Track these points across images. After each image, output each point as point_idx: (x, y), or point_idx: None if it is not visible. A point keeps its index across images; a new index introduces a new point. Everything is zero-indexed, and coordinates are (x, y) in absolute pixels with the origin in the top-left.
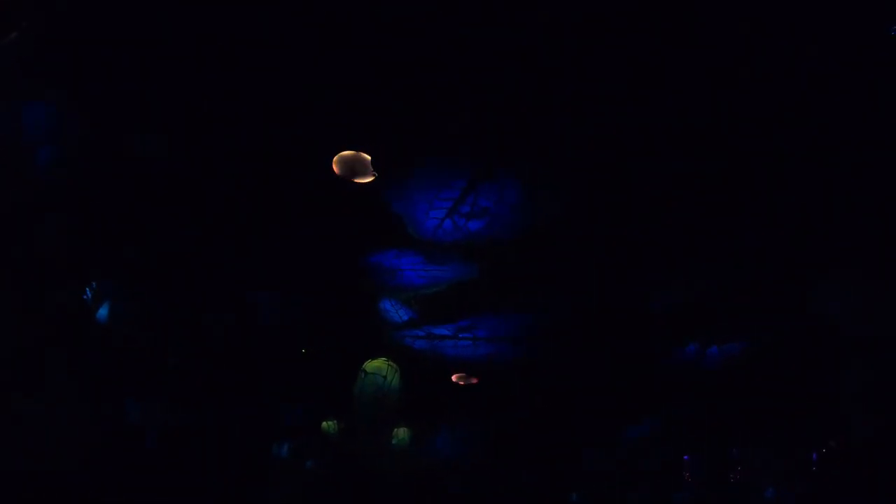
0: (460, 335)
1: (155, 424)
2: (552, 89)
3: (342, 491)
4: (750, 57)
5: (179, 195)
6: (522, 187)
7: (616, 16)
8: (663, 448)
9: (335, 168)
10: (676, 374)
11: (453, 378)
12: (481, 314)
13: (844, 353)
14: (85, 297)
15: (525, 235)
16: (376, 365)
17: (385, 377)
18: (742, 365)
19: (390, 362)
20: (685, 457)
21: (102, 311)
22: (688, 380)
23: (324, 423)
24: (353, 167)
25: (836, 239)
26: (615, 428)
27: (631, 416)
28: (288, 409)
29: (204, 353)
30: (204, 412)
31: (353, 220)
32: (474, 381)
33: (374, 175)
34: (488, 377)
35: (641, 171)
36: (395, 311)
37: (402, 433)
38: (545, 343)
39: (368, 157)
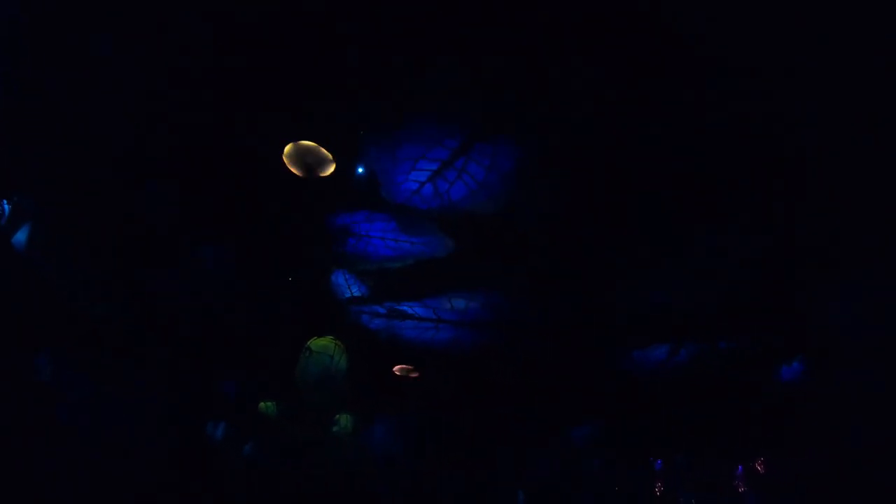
0: (438, 314)
1: (69, 387)
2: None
3: (281, 481)
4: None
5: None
6: (522, 154)
7: None
8: (605, 452)
9: (290, 166)
10: (628, 377)
11: (395, 369)
12: (451, 294)
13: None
14: None
15: (509, 210)
16: (322, 343)
17: (332, 357)
18: (689, 373)
19: (337, 341)
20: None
21: (20, 235)
22: (638, 384)
23: (262, 404)
24: (307, 161)
25: (831, 241)
26: (560, 428)
27: (577, 417)
28: (224, 383)
29: (134, 308)
30: (127, 378)
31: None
32: (415, 375)
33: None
34: (441, 365)
35: (639, 161)
36: (346, 286)
37: (344, 420)
38: (511, 331)
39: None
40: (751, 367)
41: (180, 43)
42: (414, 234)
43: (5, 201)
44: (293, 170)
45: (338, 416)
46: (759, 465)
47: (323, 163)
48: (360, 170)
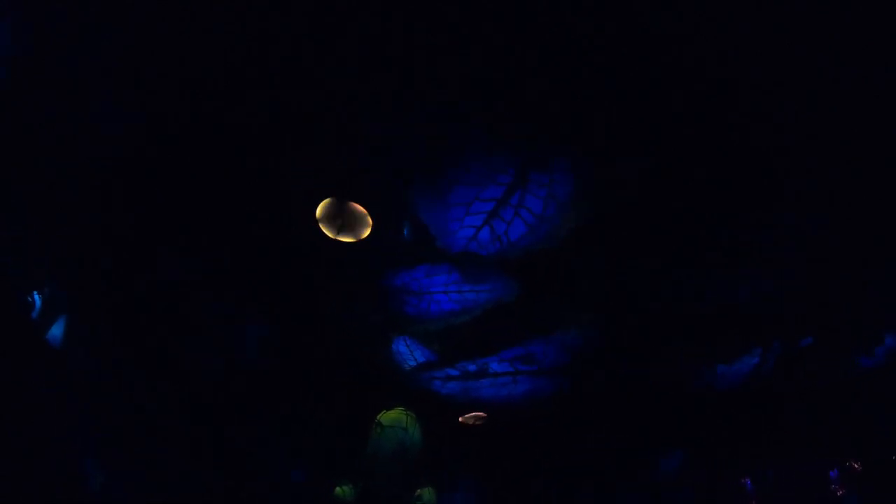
0: (515, 365)
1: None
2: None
3: None
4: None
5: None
6: (580, 173)
7: None
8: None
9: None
10: (713, 394)
11: (461, 420)
12: (524, 342)
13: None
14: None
15: (571, 240)
16: (393, 416)
17: (406, 429)
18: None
19: (409, 412)
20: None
21: (55, 330)
22: (723, 400)
23: (337, 489)
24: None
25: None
26: (647, 459)
27: (661, 448)
28: (293, 472)
29: (180, 401)
30: (181, 478)
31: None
32: (480, 422)
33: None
34: (520, 419)
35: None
36: (409, 353)
37: (427, 495)
38: (588, 368)
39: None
40: (832, 360)
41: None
42: (478, 281)
43: (36, 293)
44: (329, 233)
45: (419, 491)
46: (854, 463)
47: (358, 222)
48: (406, 229)
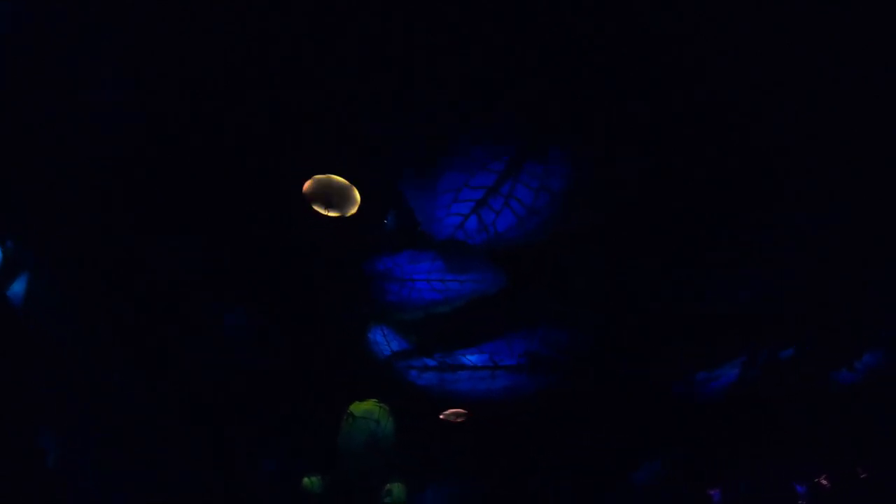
0: (495, 359)
1: (80, 473)
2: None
3: None
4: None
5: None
6: (576, 166)
7: None
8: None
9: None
10: (694, 404)
11: (441, 416)
12: (509, 335)
13: None
14: None
15: (561, 234)
16: (366, 408)
17: (378, 421)
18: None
19: (382, 404)
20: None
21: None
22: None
23: (305, 480)
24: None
25: None
26: (625, 471)
27: (641, 456)
28: (262, 460)
29: (153, 376)
30: (149, 459)
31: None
32: (462, 419)
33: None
34: (496, 416)
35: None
36: (386, 343)
37: (396, 490)
38: (572, 368)
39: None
40: (811, 373)
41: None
42: (462, 271)
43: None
44: (317, 208)
45: (389, 485)
46: (823, 480)
47: (347, 199)
48: (388, 218)
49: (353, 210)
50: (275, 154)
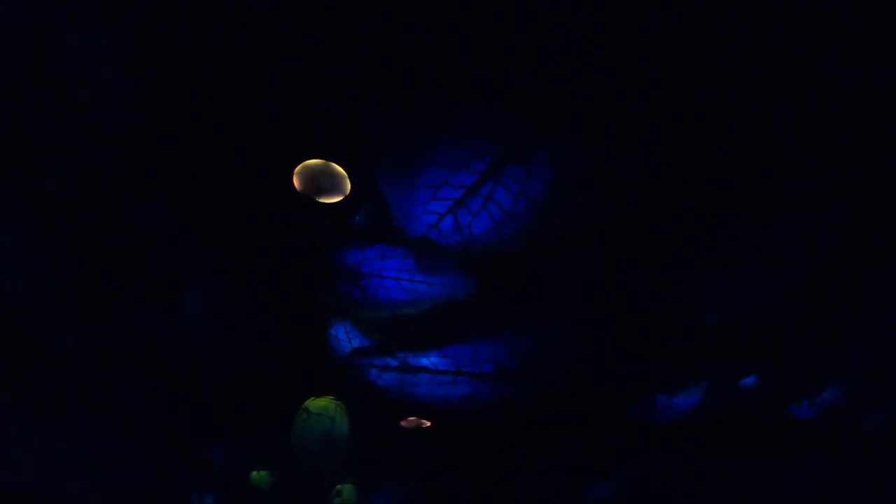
0: (458, 364)
1: (22, 449)
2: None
3: None
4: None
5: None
6: (558, 174)
7: None
8: None
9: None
10: (653, 426)
11: (403, 423)
12: (475, 342)
13: None
14: None
15: (538, 243)
16: (321, 404)
17: (333, 419)
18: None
19: (338, 402)
20: None
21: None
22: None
23: (254, 473)
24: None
25: None
26: (579, 486)
27: (596, 475)
28: (210, 450)
29: (103, 348)
30: (93, 439)
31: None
32: (426, 424)
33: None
34: (454, 425)
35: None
36: (348, 341)
37: (346, 492)
38: (536, 381)
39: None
40: (769, 404)
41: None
42: (433, 273)
43: None
44: (303, 191)
45: (339, 486)
46: None
47: (336, 186)
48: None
49: (341, 197)
50: (275, 154)
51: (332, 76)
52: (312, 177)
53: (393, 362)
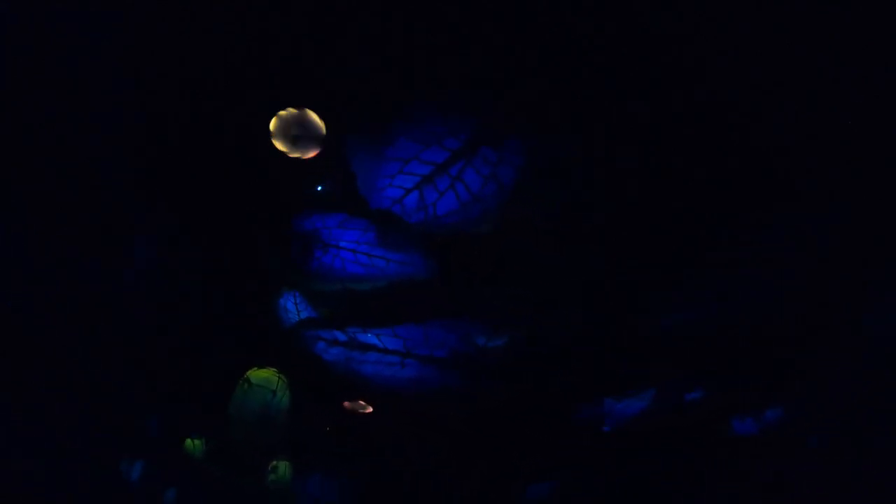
0: (408, 346)
1: None
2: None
3: None
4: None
5: None
6: (531, 160)
7: None
8: None
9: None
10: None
11: (345, 405)
12: (429, 324)
13: None
14: None
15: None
16: (264, 376)
17: (274, 392)
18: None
19: (281, 375)
20: None
21: None
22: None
23: (188, 441)
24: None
25: None
26: (516, 484)
27: (536, 473)
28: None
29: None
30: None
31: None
32: (368, 409)
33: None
34: (398, 409)
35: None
36: (296, 313)
37: (282, 468)
38: (485, 372)
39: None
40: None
41: None
42: (392, 249)
43: None
44: (277, 141)
45: (275, 462)
46: None
47: (314, 136)
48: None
49: (315, 152)
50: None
51: (316, 38)
52: (289, 124)
53: (341, 337)
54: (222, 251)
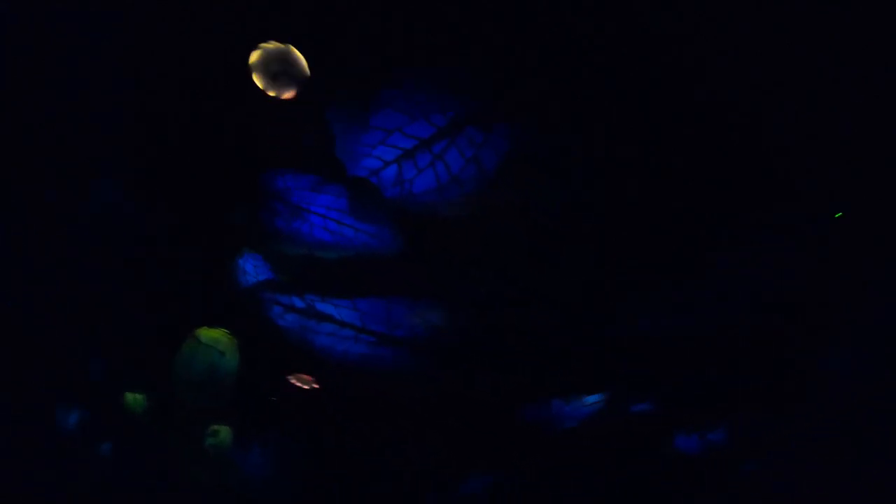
0: (365, 321)
1: None
2: None
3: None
4: None
5: None
6: (515, 149)
7: None
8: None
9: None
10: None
11: (291, 378)
12: (392, 300)
13: None
14: None
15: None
16: (214, 336)
17: (223, 353)
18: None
19: (231, 336)
20: None
21: None
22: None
23: (129, 395)
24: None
25: None
26: (455, 476)
27: (471, 468)
28: (89, 361)
29: None
30: None
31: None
32: (313, 387)
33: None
34: (346, 385)
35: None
36: (255, 275)
37: (223, 432)
38: (441, 358)
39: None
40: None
41: None
42: (363, 219)
43: None
44: (256, 75)
45: (216, 426)
46: None
47: (297, 74)
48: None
49: (292, 93)
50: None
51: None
52: (271, 58)
53: (299, 303)
54: (187, 201)
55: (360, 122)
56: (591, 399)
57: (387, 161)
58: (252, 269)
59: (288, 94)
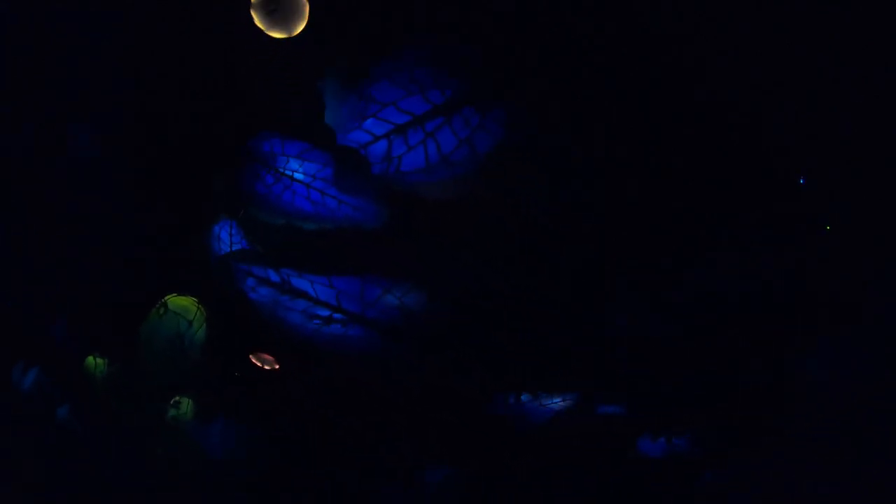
0: (340, 300)
1: None
2: None
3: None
4: None
5: None
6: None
7: None
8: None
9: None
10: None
11: (253, 358)
12: (370, 278)
13: None
14: None
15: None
16: (182, 304)
17: (190, 323)
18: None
19: (201, 306)
20: None
21: None
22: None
23: (90, 359)
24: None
25: None
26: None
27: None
28: (50, 321)
29: None
30: None
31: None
32: (276, 367)
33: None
34: (315, 367)
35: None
36: (229, 244)
37: (185, 405)
38: (415, 344)
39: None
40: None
41: None
42: (348, 191)
43: None
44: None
45: (178, 397)
46: None
47: (296, 12)
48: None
49: (299, 29)
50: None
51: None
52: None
53: (274, 277)
54: (166, 159)
55: (356, 93)
56: (559, 399)
57: (377, 136)
58: (227, 237)
59: (285, 34)
